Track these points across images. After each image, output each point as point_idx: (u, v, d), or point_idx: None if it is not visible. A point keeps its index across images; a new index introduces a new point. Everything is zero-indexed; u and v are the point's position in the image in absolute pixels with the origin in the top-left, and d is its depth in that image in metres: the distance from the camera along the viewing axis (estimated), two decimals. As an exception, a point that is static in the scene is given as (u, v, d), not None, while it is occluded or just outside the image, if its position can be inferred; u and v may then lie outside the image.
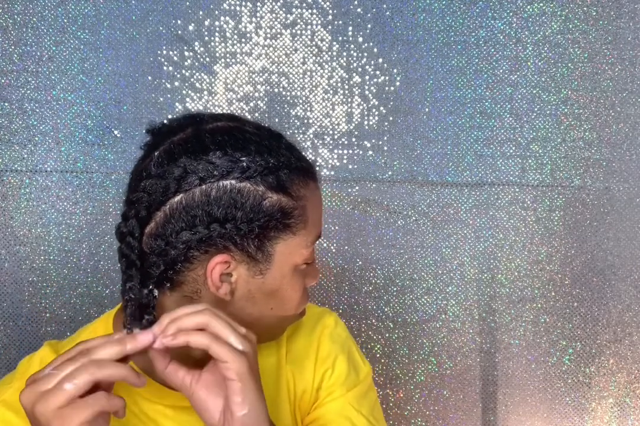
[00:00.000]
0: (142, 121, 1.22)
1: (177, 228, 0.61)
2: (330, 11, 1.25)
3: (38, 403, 0.53)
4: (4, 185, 1.21)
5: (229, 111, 1.25)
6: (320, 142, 1.27)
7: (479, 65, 1.27)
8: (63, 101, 1.21)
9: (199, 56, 1.23)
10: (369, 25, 1.25)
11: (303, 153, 0.69)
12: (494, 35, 1.27)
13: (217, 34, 1.23)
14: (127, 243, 0.61)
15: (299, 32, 1.25)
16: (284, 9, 1.24)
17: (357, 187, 1.28)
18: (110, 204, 1.24)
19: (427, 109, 1.28)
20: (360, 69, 1.26)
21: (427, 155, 1.29)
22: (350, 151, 1.28)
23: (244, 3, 1.23)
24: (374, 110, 1.27)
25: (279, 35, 1.25)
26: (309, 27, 1.25)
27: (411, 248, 1.30)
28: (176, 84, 1.23)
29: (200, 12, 1.22)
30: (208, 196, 0.60)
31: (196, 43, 1.23)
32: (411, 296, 1.31)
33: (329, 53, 1.26)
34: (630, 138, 1.31)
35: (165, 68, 1.23)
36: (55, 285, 1.24)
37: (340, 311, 1.30)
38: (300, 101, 1.26)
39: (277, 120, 1.26)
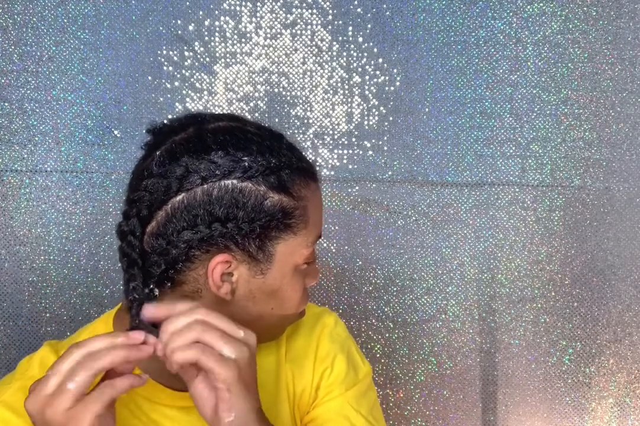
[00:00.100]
0: (142, 121, 1.22)
1: (179, 227, 0.61)
2: (330, 11, 1.25)
3: (47, 409, 0.52)
4: (4, 185, 1.21)
5: (229, 111, 1.25)
6: (320, 142, 1.27)
7: (479, 65, 1.27)
8: (63, 101, 1.21)
9: (199, 56, 1.23)
10: (369, 25, 1.25)
11: (303, 153, 0.69)
12: (494, 35, 1.27)
13: (217, 34, 1.23)
14: (128, 241, 0.61)
15: (299, 32, 1.25)
16: (284, 9, 1.24)
17: (357, 187, 1.28)
18: (110, 204, 1.23)
19: (427, 109, 1.28)
20: (360, 69, 1.26)
21: (427, 155, 1.29)
22: (350, 151, 1.28)
23: (244, 3, 1.23)
24: (374, 110, 1.27)
25: (279, 35, 1.25)
26: (309, 27, 1.25)
27: (411, 248, 1.30)
28: (176, 84, 1.23)
29: (200, 12, 1.22)
30: (210, 195, 0.61)
31: (196, 43, 1.23)
32: (411, 296, 1.31)
33: (329, 53, 1.26)
34: (630, 138, 1.31)
35: (165, 68, 1.23)
36: (55, 285, 1.23)
37: (340, 311, 1.30)
38: (300, 101, 1.26)
39: (277, 120, 1.26)
